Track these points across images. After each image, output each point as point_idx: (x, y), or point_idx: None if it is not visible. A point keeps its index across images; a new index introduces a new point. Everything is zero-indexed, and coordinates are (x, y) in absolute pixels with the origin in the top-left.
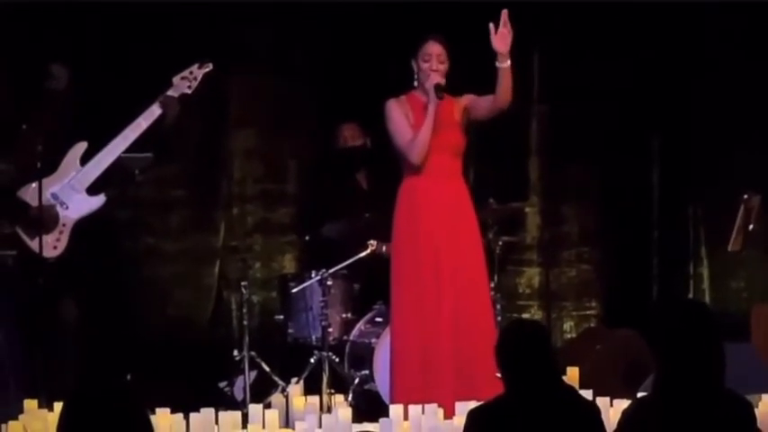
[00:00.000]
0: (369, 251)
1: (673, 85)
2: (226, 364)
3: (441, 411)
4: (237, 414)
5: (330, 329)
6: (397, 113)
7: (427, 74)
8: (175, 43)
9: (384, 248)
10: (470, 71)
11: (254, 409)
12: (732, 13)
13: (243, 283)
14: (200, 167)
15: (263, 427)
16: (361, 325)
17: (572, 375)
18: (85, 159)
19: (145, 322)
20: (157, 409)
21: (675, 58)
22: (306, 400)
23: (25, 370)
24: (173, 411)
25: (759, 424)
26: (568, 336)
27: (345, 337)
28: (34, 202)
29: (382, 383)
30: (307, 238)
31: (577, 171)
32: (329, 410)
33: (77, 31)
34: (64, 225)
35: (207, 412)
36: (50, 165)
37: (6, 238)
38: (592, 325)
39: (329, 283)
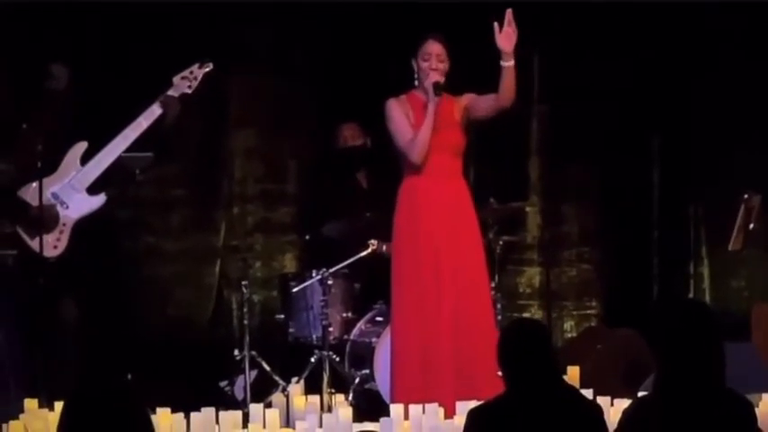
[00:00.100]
0: (369, 251)
1: (673, 85)
2: (226, 364)
3: (441, 411)
4: (238, 413)
5: (331, 329)
6: (398, 113)
7: (427, 73)
8: (175, 43)
9: (384, 248)
10: (471, 71)
11: (255, 408)
12: (732, 13)
13: (243, 283)
14: (200, 167)
15: (264, 426)
16: (361, 324)
17: (572, 375)
18: (86, 159)
19: (145, 322)
20: (158, 409)
21: (675, 58)
22: (306, 399)
23: (25, 370)
24: (173, 411)
25: (759, 424)
26: (569, 335)
27: (346, 337)
28: (34, 202)
29: (383, 383)
30: (307, 237)
31: (577, 171)
32: (330, 410)
33: (77, 31)
34: (64, 225)
35: (207, 412)
36: (51, 164)
37: (7, 237)
38: (592, 324)
39: (330, 282)
